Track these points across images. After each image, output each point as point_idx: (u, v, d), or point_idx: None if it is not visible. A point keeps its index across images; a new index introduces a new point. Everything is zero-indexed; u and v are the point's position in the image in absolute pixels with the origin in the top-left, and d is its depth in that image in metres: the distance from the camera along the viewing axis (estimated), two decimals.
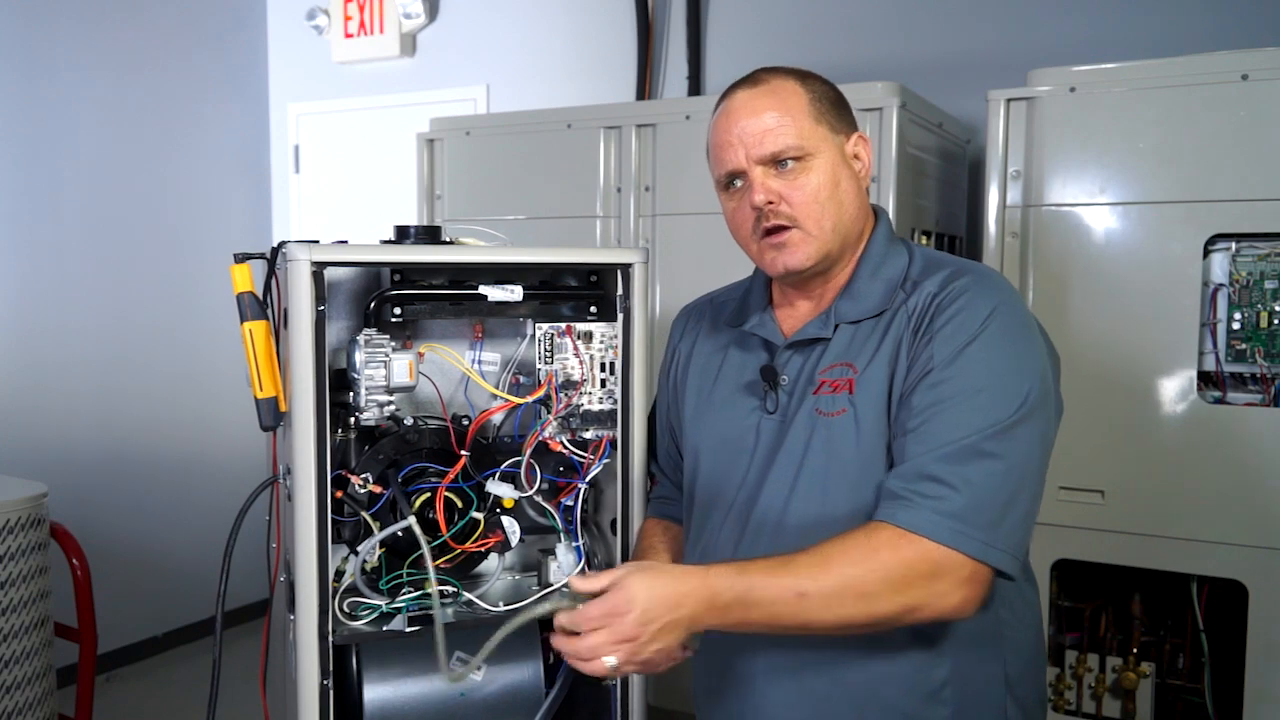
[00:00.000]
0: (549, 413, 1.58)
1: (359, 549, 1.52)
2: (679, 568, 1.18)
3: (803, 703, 1.29)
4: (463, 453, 1.57)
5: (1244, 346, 2.08)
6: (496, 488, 1.58)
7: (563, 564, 1.63)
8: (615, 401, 1.60)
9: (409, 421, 1.59)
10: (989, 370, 1.19)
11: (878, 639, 1.24)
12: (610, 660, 1.12)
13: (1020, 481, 1.17)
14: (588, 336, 1.60)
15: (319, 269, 1.43)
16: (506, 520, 1.60)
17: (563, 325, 1.59)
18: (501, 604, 1.60)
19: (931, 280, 1.27)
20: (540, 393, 1.58)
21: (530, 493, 1.60)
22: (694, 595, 1.12)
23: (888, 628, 1.17)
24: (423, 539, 1.47)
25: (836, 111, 1.34)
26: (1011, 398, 1.17)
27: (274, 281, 1.60)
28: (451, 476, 1.56)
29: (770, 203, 1.28)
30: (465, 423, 1.59)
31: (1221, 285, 2.09)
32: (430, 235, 1.59)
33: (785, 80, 1.32)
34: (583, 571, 1.62)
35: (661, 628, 1.12)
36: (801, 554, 1.15)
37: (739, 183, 1.32)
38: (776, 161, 1.28)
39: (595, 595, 1.29)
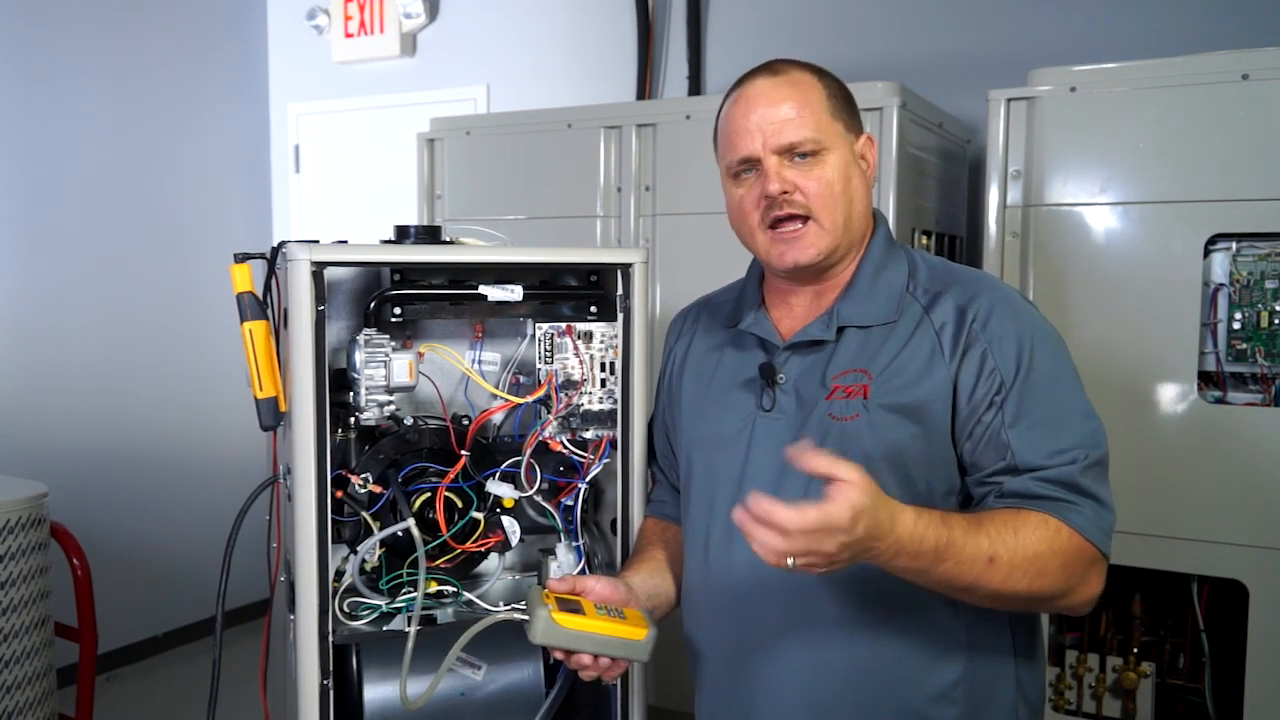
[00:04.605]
0: (549, 413, 1.58)
1: (359, 549, 1.52)
2: (895, 503, 1.10)
3: (811, 700, 1.29)
4: (463, 453, 1.56)
5: (1244, 346, 2.08)
6: (496, 488, 1.57)
7: (563, 564, 1.63)
8: (615, 401, 1.60)
9: (409, 421, 1.59)
10: (1060, 377, 1.25)
11: (891, 637, 1.25)
12: (791, 561, 1.08)
13: None
14: (588, 336, 1.60)
15: (319, 269, 1.43)
16: (506, 520, 1.59)
17: (563, 325, 1.58)
18: (502, 603, 1.60)
19: (951, 293, 1.29)
20: (540, 393, 1.58)
21: (530, 493, 1.60)
22: (898, 536, 1.09)
23: (1033, 609, 1.24)
24: (420, 544, 1.46)
25: (849, 110, 1.35)
26: (1081, 394, 1.27)
27: (274, 281, 1.60)
28: (451, 476, 1.56)
29: (785, 192, 1.28)
30: (465, 423, 1.59)
31: (1222, 285, 2.09)
32: (430, 235, 1.59)
33: (804, 73, 1.33)
34: (582, 572, 1.62)
35: (856, 551, 1.07)
36: (987, 515, 1.18)
37: (750, 171, 1.32)
38: (792, 152, 1.28)
39: (568, 595, 1.28)
